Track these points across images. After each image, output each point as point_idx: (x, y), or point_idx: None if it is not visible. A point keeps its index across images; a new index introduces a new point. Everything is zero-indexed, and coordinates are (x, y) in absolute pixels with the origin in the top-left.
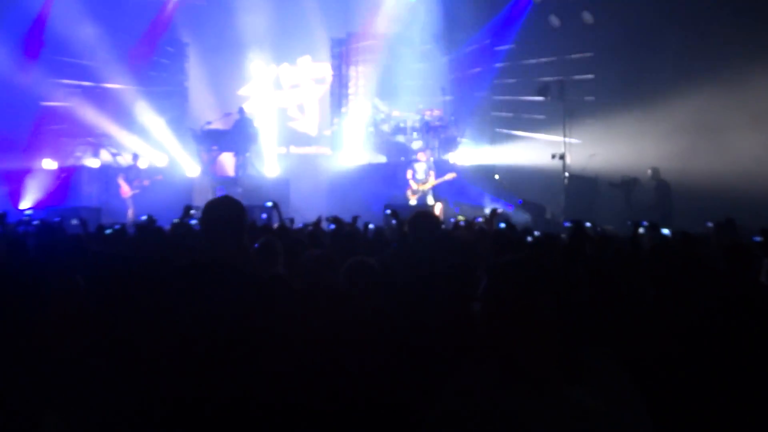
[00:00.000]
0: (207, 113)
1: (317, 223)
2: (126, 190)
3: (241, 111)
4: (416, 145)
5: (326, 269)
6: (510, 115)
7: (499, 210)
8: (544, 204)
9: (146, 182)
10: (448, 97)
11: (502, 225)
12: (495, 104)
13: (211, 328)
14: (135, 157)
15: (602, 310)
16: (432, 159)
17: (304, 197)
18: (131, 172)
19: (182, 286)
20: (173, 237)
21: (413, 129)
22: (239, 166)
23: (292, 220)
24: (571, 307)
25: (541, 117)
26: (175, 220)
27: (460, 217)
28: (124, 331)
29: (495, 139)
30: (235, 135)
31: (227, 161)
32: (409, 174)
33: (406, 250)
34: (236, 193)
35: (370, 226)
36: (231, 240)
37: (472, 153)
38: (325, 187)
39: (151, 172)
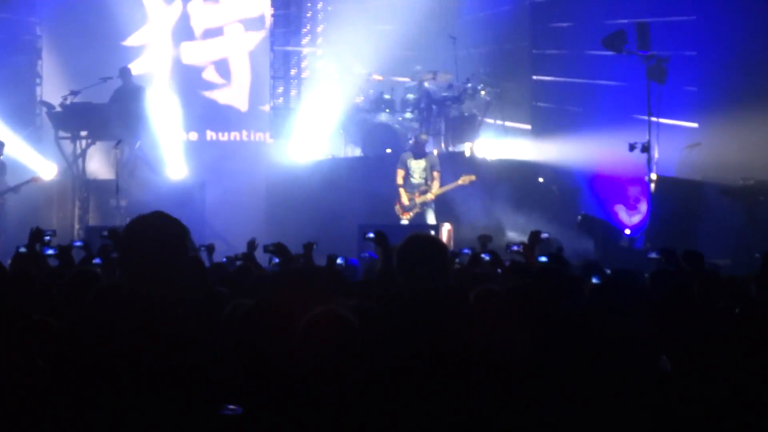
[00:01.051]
0: (72, 80)
1: (249, 253)
2: None
3: (124, 73)
4: (410, 128)
5: (261, 333)
6: (560, 80)
7: (544, 234)
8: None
9: None
10: (461, 52)
11: (543, 258)
12: (537, 63)
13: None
14: None
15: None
16: (436, 152)
17: (228, 211)
18: None
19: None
20: (16, 276)
21: (407, 104)
22: (124, 164)
23: (209, 250)
24: None
25: (611, 83)
26: (21, 249)
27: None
28: None
29: (536, 118)
30: (115, 113)
31: (103, 155)
32: (399, 176)
33: (393, 304)
34: (118, 208)
35: (339, 260)
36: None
37: (500, 141)
38: (263, 196)
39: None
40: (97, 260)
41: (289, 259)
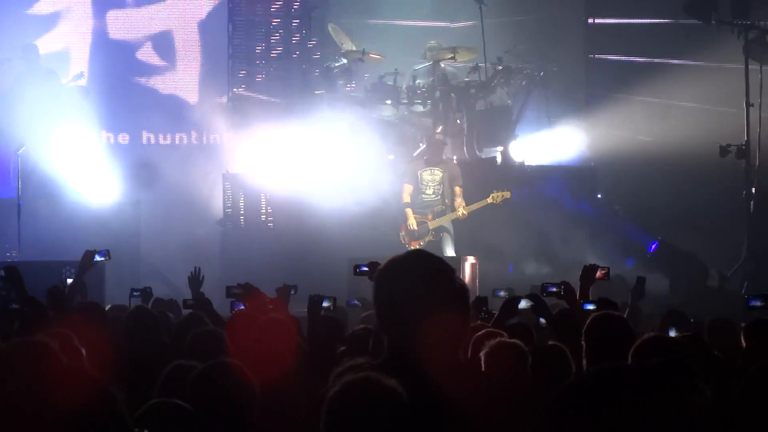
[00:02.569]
0: None
1: (198, 299)
2: None
3: (29, 52)
4: (421, 126)
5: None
6: (624, 59)
7: (601, 271)
8: (699, 254)
9: None
10: (491, 22)
11: (589, 306)
12: (594, 37)
13: None
14: None
15: None
16: (455, 158)
17: (172, 240)
18: None
19: None
20: None
21: (416, 93)
22: (28, 175)
23: (145, 296)
24: None
25: (693, 63)
26: None
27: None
28: None
29: (592, 111)
30: (19, 102)
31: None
32: (406, 193)
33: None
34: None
35: (324, 303)
36: None
37: (543, 143)
38: (219, 218)
39: None
40: None
41: (260, 307)
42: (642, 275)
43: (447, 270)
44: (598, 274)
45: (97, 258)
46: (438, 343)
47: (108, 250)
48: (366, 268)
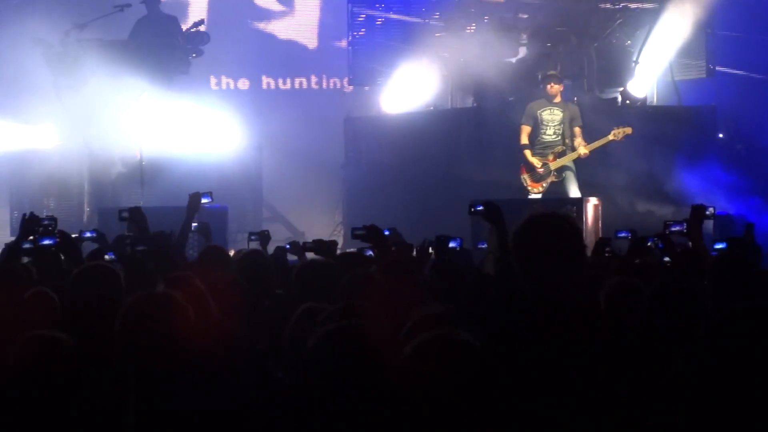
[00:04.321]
0: (75, 9)
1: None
2: None
3: None
4: (539, 66)
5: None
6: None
7: (709, 209)
8: None
9: None
10: None
11: (720, 245)
12: None
13: None
14: None
15: None
16: (576, 100)
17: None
18: None
19: None
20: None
21: (535, 31)
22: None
23: (263, 238)
24: None
25: None
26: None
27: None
28: None
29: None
30: (137, 53)
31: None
32: (524, 134)
33: (506, 316)
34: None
35: (452, 243)
36: None
37: (665, 85)
38: (340, 163)
39: None
40: (110, 254)
41: (385, 249)
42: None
43: (577, 228)
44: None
45: (204, 200)
46: (571, 289)
47: (212, 192)
48: (481, 208)
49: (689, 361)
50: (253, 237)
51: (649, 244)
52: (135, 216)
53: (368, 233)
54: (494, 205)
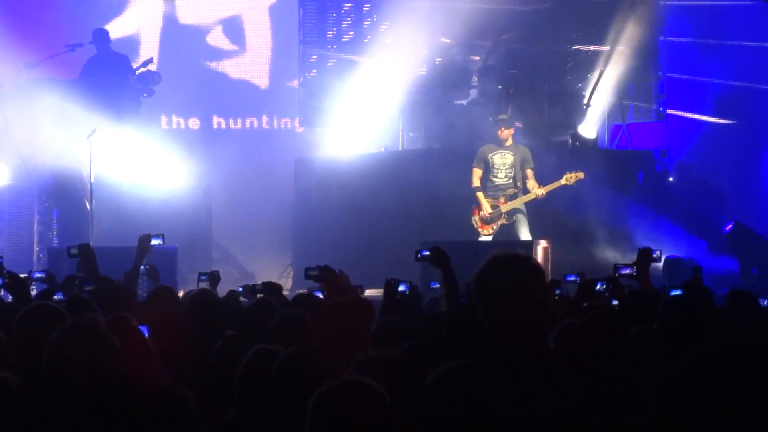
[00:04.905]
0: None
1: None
2: None
3: (99, 38)
4: (492, 110)
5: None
6: (698, 41)
7: (655, 252)
8: None
9: None
10: (561, 3)
11: (675, 292)
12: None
13: None
14: None
15: None
16: (527, 142)
17: (243, 225)
18: None
19: None
20: None
21: (487, 77)
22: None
23: (213, 279)
24: None
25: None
26: None
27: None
28: None
29: (663, 93)
30: (88, 91)
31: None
32: (476, 177)
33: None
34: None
35: (401, 287)
36: None
37: (615, 126)
38: (290, 204)
39: None
40: (59, 294)
41: (339, 289)
42: (699, 265)
43: (541, 271)
44: (653, 255)
45: (154, 242)
46: (534, 335)
47: (163, 234)
48: (427, 253)
49: (664, 404)
50: (202, 277)
51: (597, 287)
52: (84, 253)
53: (321, 274)
54: (440, 250)
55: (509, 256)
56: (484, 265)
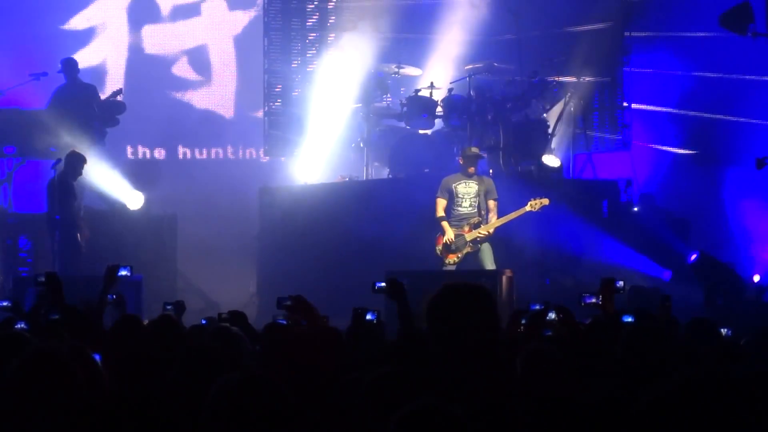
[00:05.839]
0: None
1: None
2: None
3: (68, 68)
4: (456, 140)
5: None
6: (662, 72)
7: (618, 283)
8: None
9: None
10: (526, 35)
11: (628, 318)
12: (629, 49)
13: None
14: None
15: None
16: (491, 172)
17: (208, 254)
18: None
19: None
20: None
21: (452, 107)
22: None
23: (178, 309)
24: None
25: (735, 77)
26: None
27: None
28: None
29: (628, 125)
30: (54, 121)
31: (37, 179)
32: (440, 207)
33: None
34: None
35: (369, 315)
36: None
37: (580, 156)
38: (255, 233)
39: None
40: (20, 323)
41: (313, 318)
42: (667, 294)
43: (492, 301)
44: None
45: (121, 273)
46: (482, 361)
47: (131, 266)
48: (383, 285)
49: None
50: (168, 307)
51: (550, 316)
52: (50, 281)
53: (295, 304)
54: (395, 282)
55: (459, 284)
56: (436, 293)
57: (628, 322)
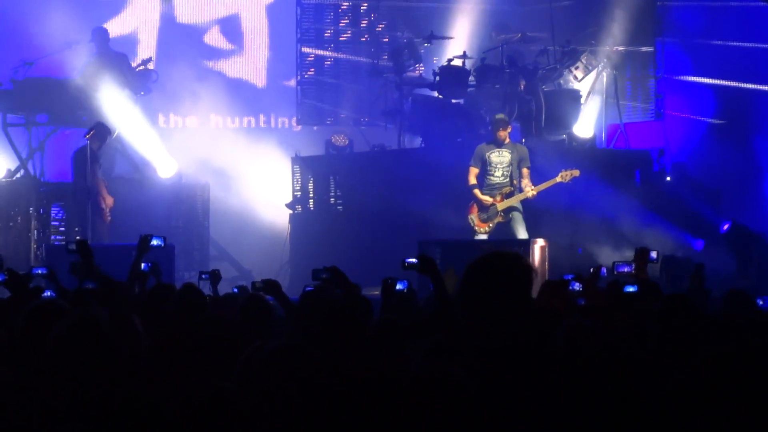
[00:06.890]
0: (25, 47)
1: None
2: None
3: (98, 36)
4: (489, 109)
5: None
6: (698, 42)
7: (652, 254)
8: None
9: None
10: (559, 2)
11: (630, 289)
12: (664, 20)
13: None
14: None
15: None
16: (524, 141)
17: (241, 223)
18: None
19: None
20: None
21: (484, 76)
22: (95, 159)
23: (214, 278)
24: None
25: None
26: None
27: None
28: None
29: (661, 96)
30: (87, 90)
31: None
32: (472, 175)
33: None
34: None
35: (399, 285)
36: None
37: (614, 127)
38: (287, 201)
39: None
40: (47, 292)
41: (349, 289)
42: (701, 263)
43: (528, 268)
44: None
45: (154, 242)
46: (515, 332)
47: (165, 237)
48: (414, 261)
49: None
50: (204, 276)
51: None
52: (81, 249)
53: (330, 275)
54: (426, 257)
55: (495, 254)
56: (472, 264)
57: (630, 292)
